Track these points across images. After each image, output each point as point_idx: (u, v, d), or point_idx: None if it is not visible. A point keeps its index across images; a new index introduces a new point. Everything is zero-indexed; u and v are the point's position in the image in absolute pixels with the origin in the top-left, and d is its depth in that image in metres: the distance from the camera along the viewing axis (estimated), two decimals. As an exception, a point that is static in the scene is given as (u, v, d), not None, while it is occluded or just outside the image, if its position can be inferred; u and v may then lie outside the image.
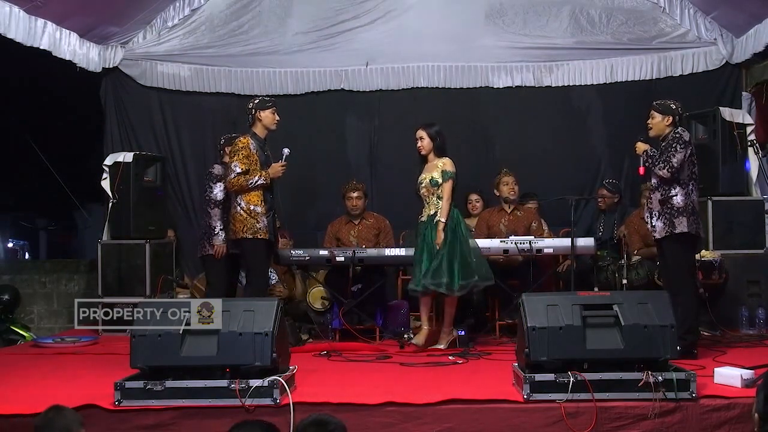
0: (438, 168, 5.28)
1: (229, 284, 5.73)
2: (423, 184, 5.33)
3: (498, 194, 6.31)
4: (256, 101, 5.33)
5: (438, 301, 5.47)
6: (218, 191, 5.60)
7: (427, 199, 5.32)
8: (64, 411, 3.03)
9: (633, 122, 7.27)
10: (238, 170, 5.11)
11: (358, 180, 6.55)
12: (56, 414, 2.98)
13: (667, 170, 4.71)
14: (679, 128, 4.85)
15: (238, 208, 5.16)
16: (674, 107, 4.87)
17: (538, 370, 3.62)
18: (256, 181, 5.13)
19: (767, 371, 2.53)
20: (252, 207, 5.13)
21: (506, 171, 6.31)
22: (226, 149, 5.69)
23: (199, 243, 5.80)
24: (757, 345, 5.21)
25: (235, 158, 5.14)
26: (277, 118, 5.29)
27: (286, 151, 5.30)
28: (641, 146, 4.90)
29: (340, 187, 6.49)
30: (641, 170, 4.89)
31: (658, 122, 4.88)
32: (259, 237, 5.12)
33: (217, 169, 5.69)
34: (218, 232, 5.58)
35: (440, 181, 5.24)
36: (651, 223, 4.87)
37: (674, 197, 4.74)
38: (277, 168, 5.23)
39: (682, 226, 4.71)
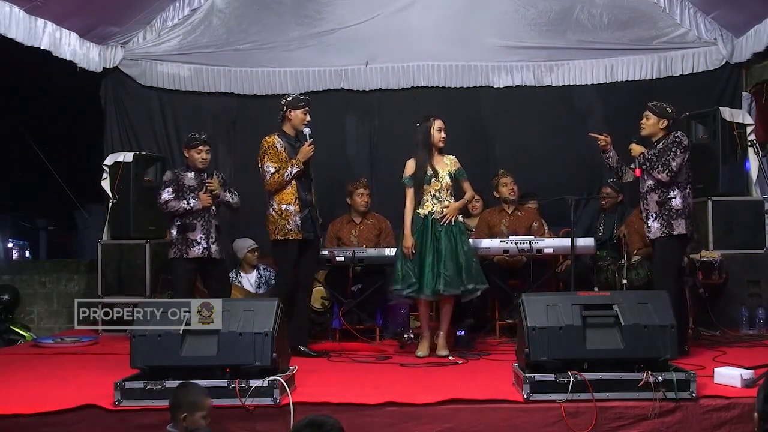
0: (448, 165, 5.19)
1: (194, 290, 5.45)
2: (445, 181, 5.14)
3: (498, 195, 6.30)
4: (289, 99, 5.26)
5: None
6: (166, 195, 5.25)
7: (439, 194, 5.16)
8: (189, 386, 3.30)
9: (633, 122, 7.23)
10: (272, 170, 5.08)
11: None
12: (182, 390, 3.26)
13: (667, 174, 4.75)
14: (679, 132, 4.90)
15: (270, 209, 5.14)
16: (670, 111, 4.93)
17: (538, 370, 3.62)
18: (291, 172, 5.09)
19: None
20: (284, 206, 5.08)
21: (504, 172, 6.31)
22: (185, 150, 5.40)
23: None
24: (757, 345, 5.21)
25: (266, 159, 5.11)
26: (308, 118, 5.22)
27: (306, 130, 5.21)
28: (637, 149, 4.93)
29: (345, 186, 6.48)
30: (638, 172, 4.90)
31: (653, 124, 4.92)
32: (290, 238, 5.08)
33: (167, 175, 5.41)
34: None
35: (456, 177, 5.19)
36: (647, 223, 4.90)
37: (673, 199, 4.78)
38: (305, 150, 5.15)
39: (680, 228, 4.75)
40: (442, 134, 5.19)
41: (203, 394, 3.28)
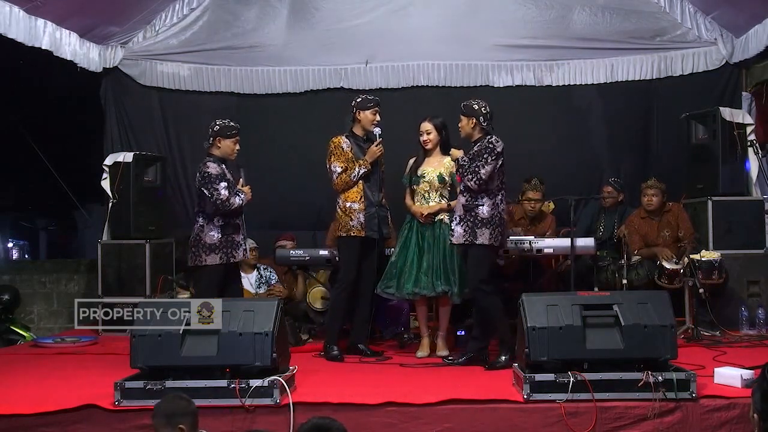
0: (446, 166, 5.10)
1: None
2: (426, 179, 5.10)
3: (520, 203, 6.25)
4: (359, 100, 5.24)
5: (431, 300, 5.33)
6: (225, 192, 4.79)
7: (427, 195, 5.14)
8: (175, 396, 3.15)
9: (633, 122, 7.29)
10: (339, 170, 5.12)
11: None
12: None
13: (475, 182, 4.57)
14: (494, 138, 4.67)
15: (337, 207, 5.19)
16: (477, 108, 4.72)
17: (538, 370, 3.63)
18: (359, 172, 5.11)
19: (763, 370, 2.52)
20: (348, 204, 5.11)
21: (536, 183, 6.20)
22: (218, 140, 4.89)
23: (190, 251, 4.92)
24: (757, 345, 5.20)
25: (333, 159, 5.15)
26: (378, 118, 5.20)
27: (377, 130, 5.19)
28: (455, 153, 4.79)
29: None
30: (459, 178, 4.75)
31: (464, 125, 4.76)
32: (352, 235, 5.09)
33: (213, 167, 4.84)
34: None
35: (448, 179, 5.09)
36: (451, 226, 4.78)
37: (480, 207, 4.61)
38: (373, 150, 5.13)
39: (483, 237, 4.59)
40: (424, 137, 5.16)
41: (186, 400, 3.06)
